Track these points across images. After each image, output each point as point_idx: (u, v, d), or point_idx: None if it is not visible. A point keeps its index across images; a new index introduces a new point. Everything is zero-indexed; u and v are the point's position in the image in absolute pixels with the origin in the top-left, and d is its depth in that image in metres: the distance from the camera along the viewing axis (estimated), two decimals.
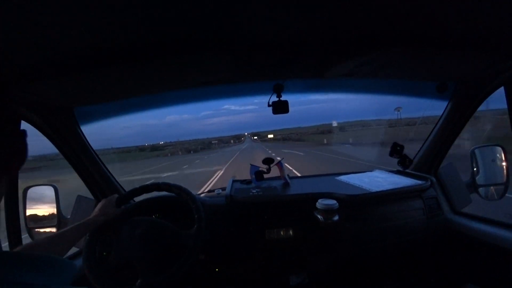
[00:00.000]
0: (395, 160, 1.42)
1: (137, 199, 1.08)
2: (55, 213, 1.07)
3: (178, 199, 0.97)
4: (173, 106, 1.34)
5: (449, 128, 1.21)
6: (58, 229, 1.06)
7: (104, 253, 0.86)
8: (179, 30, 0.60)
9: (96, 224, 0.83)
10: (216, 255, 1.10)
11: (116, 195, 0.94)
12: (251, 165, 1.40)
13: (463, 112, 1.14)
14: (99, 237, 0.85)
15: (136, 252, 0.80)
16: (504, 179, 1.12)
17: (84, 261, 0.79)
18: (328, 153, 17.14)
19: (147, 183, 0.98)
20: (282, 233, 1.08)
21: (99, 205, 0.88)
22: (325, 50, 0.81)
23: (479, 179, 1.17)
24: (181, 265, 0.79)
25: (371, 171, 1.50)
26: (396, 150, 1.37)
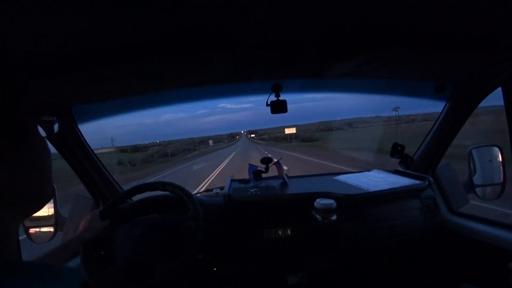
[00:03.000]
0: None
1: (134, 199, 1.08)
2: (53, 212, 1.06)
3: (169, 196, 0.98)
4: (169, 105, 1.33)
5: (447, 129, 1.21)
6: (55, 228, 1.05)
7: (102, 253, 0.86)
8: (177, 29, 0.59)
9: (83, 240, 0.80)
10: (214, 255, 1.10)
11: (97, 210, 0.92)
12: (250, 164, 1.40)
13: (461, 113, 1.15)
14: (94, 248, 0.84)
15: (142, 250, 0.80)
16: (501, 179, 1.13)
17: (83, 268, 0.78)
18: None
19: (129, 188, 0.98)
20: (280, 232, 1.08)
21: (82, 222, 0.85)
22: (324, 50, 0.81)
23: (476, 179, 1.17)
24: (191, 247, 0.80)
25: (369, 170, 1.50)
26: (397, 150, 1.38)
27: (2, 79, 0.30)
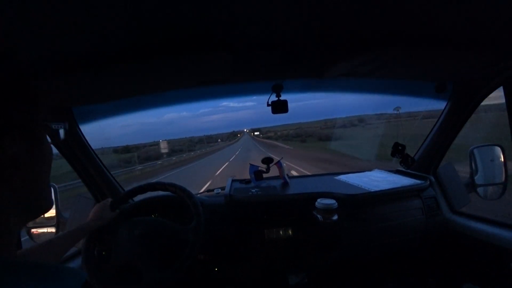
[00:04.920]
0: None
1: (135, 199, 1.08)
2: (54, 213, 1.06)
3: (175, 198, 0.97)
4: (171, 105, 1.34)
5: (448, 128, 1.21)
6: (57, 229, 1.06)
7: (104, 253, 0.86)
8: (178, 29, 0.59)
9: (91, 229, 0.81)
10: (215, 255, 1.10)
11: (110, 199, 0.93)
12: (251, 164, 1.40)
13: (462, 112, 1.14)
14: (97, 241, 0.85)
15: (137, 252, 0.80)
16: (503, 178, 1.12)
17: (84, 264, 0.79)
18: None
19: (141, 184, 0.98)
20: (281, 232, 1.08)
21: (93, 210, 0.87)
22: (324, 50, 0.81)
23: (478, 179, 1.17)
24: (184, 260, 0.79)
25: (370, 170, 1.50)
26: (398, 150, 1.37)
27: (21, 83, 0.30)
